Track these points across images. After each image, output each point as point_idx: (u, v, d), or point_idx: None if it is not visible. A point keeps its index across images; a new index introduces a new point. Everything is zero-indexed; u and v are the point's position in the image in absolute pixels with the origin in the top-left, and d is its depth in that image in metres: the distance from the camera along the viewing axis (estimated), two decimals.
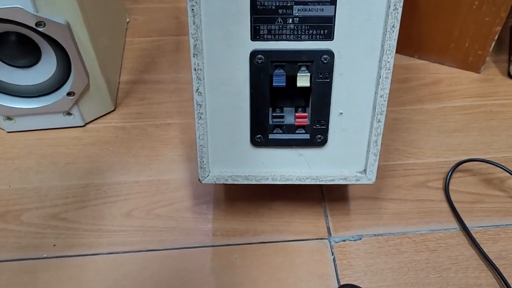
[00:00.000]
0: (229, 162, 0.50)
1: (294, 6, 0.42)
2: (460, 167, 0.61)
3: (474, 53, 0.72)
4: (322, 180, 0.50)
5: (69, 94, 0.60)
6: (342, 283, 0.50)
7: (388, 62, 0.44)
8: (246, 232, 0.55)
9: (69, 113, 0.64)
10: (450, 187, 0.59)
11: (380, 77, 0.44)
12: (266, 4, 0.41)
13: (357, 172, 0.50)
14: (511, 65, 0.73)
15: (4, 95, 0.60)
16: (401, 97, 0.71)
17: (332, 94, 0.46)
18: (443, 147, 0.64)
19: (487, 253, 0.52)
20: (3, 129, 0.65)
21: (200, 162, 0.49)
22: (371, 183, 0.50)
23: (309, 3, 0.41)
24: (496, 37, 0.69)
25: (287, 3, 0.41)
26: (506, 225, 0.55)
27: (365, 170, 0.50)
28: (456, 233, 0.55)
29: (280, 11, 0.42)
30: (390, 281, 0.50)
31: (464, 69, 0.75)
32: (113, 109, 0.68)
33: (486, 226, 0.55)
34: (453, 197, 0.58)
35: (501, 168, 0.58)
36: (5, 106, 0.61)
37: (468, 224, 0.55)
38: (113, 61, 0.71)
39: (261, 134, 0.48)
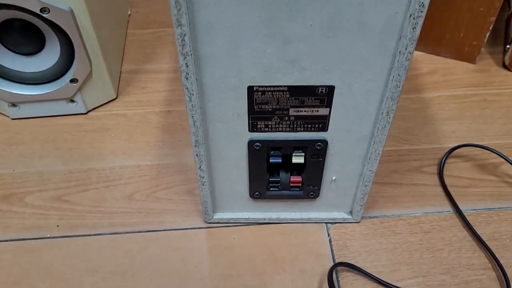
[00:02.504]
0: (230, 209, 0.54)
1: (290, 109, 0.42)
2: (454, 153, 0.62)
3: (469, 44, 0.74)
4: (313, 221, 0.55)
5: (72, 81, 0.62)
6: (337, 262, 0.51)
7: (378, 149, 0.45)
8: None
9: (72, 100, 0.65)
10: (444, 172, 0.60)
11: (369, 158, 0.46)
12: (263, 107, 0.42)
13: (344, 213, 0.55)
14: (506, 55, 0.75)
15: (9, 82, 0.62)
16: None
17: (324, 167, 0.48)
18: (438, 134, 0.65)
19: (480, 234, 0.53)
20: (8, 116, 0.67)
21: (204, 210, 0.53)
22: (357, 222, 0.55)
23: (305, 106, 0.42)
24: (491, 27, 0.71)
25: (283, 106, 0.42)
26: (499, 208, 0.57)
27: (351, 212, 0.54)
28: (449, 215, 0.56)
29: (276, 112, 0.43)
30: (384, 260, 0.52)
31: (460, 60, 0.76)
32: (115, 97, 0.69)
33: (479, 209, 0.56)
34: (447, 181, 0.59)
35: (495, 153, 0.59)
36: (9, 92, 0.62)
37: (461, 207, 0.56)
38: (115, 51, 0.72)
39: (259, 191, 0.51)
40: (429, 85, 0.73)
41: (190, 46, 0.36)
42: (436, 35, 0.75)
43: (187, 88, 0.39)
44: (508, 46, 0.75)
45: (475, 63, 0.76)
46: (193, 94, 0.40)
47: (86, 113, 0.68)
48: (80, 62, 0.61)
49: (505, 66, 0.75)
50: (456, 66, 0.76)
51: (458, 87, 0.72)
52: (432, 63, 0.76)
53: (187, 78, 0.38)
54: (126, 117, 0.68)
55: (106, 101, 0.69)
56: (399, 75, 0.38)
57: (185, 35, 0.35)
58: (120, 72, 0.74)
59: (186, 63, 0.37)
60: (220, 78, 0.39)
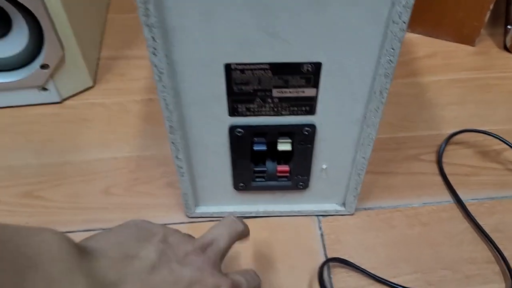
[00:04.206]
0: (214, 202, 0.50)
1: (273, 89, 0.38)
2: (454, 139, 0.58)
3: (469, 25, 0.70)
4: (303, 213, 0.51)
5: (42, 66, 0.58)
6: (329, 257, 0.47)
7: (371, 134, 0.41)
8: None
9: (44, 88, 0.61)
10: (444, 160, 0.56)
11: (362, 144, 0.42)
12: (243, 88, 0.38)
13: (336, 204, 0.51)
14: (507, 37, 0.71)
15: None
16: None
17: (313, 154, 0.44)
18: (437, 120, 0.61)
19: (482, 226, 0.49)
20: None
21: (185, 203, 0.49)
22: (350, 214, 0.51)
23: (289, 87, 0.38)
24: (491, 7, 0.66)
25: (265, 87, 0.38)
26: (502, 197, 0.53)
27: (344, 204, 0.50)
28: (449, 206, 0.52)
29: (258, 93, 0.38)
30: (380, 255, 0.48)
31: (459, 42, 0.72)
32: (92, 85, 0.65)
33: (481, 199, 0.52)
34: (446, 170, 0.55)
35: (498, 138, 0.55)
36: None
37: (462, 197, 0.52)
38: (92, 36, 0.68)
39: (243, 182, 0.47)
40: (427, 69, 0.68)
41: (155, 17, 0.32)
42: (434, 16, 0.71)
43: (156, 66, 0.35)
44: (509, 27, 0.71)
45: (474, 46, 0.72)
46: (163, 73, 0.35)
47: (60, 102, 0.63)
48: (50, 47, 0.56)
49: (506, 48, 0.71)
50: (456, 49, 0.72)
51: (458, 70, 0.68)
52: (430, 46, 0.72)
53: (155, 54, 0.34)
54: (104, 106, 0.63)
55: (82, 89, 0.64)
56: (392, 48, 0.34)
57: (148, 2, 0.31)
58: (98, 58, 0.70)
59: (152, 37, 0.33)
60: (193, 54, 0.35)
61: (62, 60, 0.59)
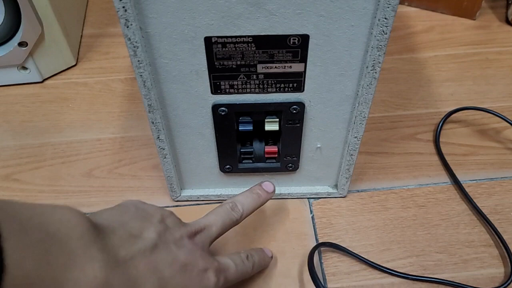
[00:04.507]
0: (200, 185, 0.48)
1: (258, 65, 0.35)
2: (452, 117, 0.56)
3: None
4: (293, 196, 0.49)
5: (20, 44, 0.55)
6: (321, 242, 0.45)
7: (363, 112, 0.39)
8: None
9: (24, 67, 0.58)
10: (441, 139, 0.54)
11: (354, 123, 0.40)
12: (225, 64, 0.35)
13: (328, 187, 0.49)
14: (510, 9, 0.68)
15: None
16: (388, 46, 0.64)
17: (303, 134, 0.42)
18: (434, 98, 0.59)
19: (480, 207, 0.47)
20: None
21: (170, 187, 0.47)
22: (343, 197, 0.49)
23: (275, 61, 0.35)
24: None
25: (249, 62, 0.35)
26: (501, 178, 0.50)
27: (336, 186, 0.48)
28: (446, 187, 0.50)
29: (242, 69, 0.36)
30: (373, 239, 0.46)
31: (458, 16, 0.69)
32: (74, 63, 0.62)
33: (479, 180, 0.50)
34: (444, 149, 0.53)
35: (497, 116, 0.53)
36: None
37: (460, 177, 0.50)
38: (73, 12, 0.65)
39: (230, 164, 0.45)
40: (424, 44, 0.66)
41: None
42: None
43: (129, 39, 0.32)
44: None
45: (475, 19, 0.69)
46: (137, 47, 0.33)
47: (41, 82, 0.60)
48: (28, 23, 0.53)
49: (508, 22, 0.68)
50: (454, 23, 0.69)
51: (456, 45, 0.65)
52: (427, 19, 0.69)
53: (127, 26, 0.31)
54: (86, 85, 0.61)
55: (64, 68, 0.61)
56: (385, 18, 0.32)
57: None
58: (81, 36, 0.67)
59: (123, 6, 0.30)
60: (170, 26, 0.32)
61: (41, 38, 0.56)
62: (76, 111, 0.58)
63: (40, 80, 0.60)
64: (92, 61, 0.63)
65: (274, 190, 0.42)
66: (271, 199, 0.48)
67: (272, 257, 0.44)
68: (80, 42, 0.66)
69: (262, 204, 0.41)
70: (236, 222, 0.39)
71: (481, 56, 0.64)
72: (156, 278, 0.30)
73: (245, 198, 0.40)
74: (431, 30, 0.68)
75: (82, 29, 0.68)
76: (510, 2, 0.68)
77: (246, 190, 0.42)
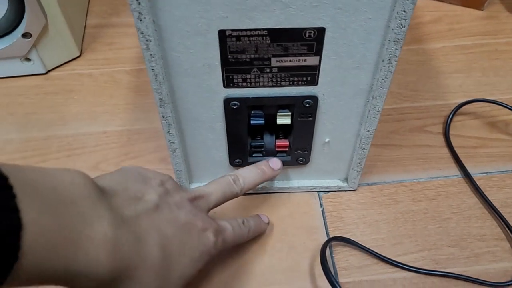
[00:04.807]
0: (209, 178, 0.46)
1: (272, 58, 0.35)
2: (462, 109, 0.55)
3: None
4: (303, 190, 0.48)
5: (24, 35, 0.54)
6: (332, 236, 0.45)
7: (377, 105, 0.38)
8: None
9: (27, 59, 0.57)
10: (451, 132, 0.53)
11: (367, 116, 0.39)
12: (239, 57, 0.34)
13: (339, 180, 0.48)
14: None
15: None
16: None
17: (315, 128, 0.41)
18: (443, 89, 0.58)
19: (491, 200, 0.47)
20: None
21: (179, 180, 0.46)
22: (353, 190, 0.49)
23: (289, 55, 0.34)
24: None
25: (263, 56, 0.34)
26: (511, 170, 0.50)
27: (346, 179, 0.48)
28: (457, 180, 0.49)
29: (255, 62, 0.35)
30: (384, 233, 0.45)
31: (466, 6, 0.68)
32: (78, 55, 0.61)
33: (490, 172, 0.50)
34: (454, 142, 0.52)
35: (507, 108, 0.52)
36: None
37: (470, 170, 0.49)
38: (77, 3, 0.64)
39: (240, 158, 0.44)
40: (432, 35, 0.65)
41: None
42: None
43: (142, 33, 0.31)
44: None
45: (483, 10, 0.68)
46: (150, 41, 0.32)
47: (45, 73, 0.60)
48: (32, 14, 0.52)
49: None
50: (463, 13, 0.68)
51: (465, 36, 0.65)
52: (435, 10, 0.68)
53: (140, 20, 0.31)
54: (91, 77, 0.60)
55: (68, 60, 0.61)
56: (404, 11, 0.31)
57: None
58: (85, 26, 0.66)
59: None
60: (183, 19, 0.31)
61: (45, 29, 0.55)
62: (81, 103, 0.57)
63: (44, 71, 0.59)
64: (96, 52, 0.62)
65: (281, 167, 0.43)
66: (281, 192, 0.48)
67: (268, 223, 0.45)
68: (84, 32, 0.65)
69: (267, 180, 0.43)
70: (235, 195, 0.40)
71: (490, 47, 0.63)
72: (158, 235, 0.31)
73: (249, 173, 0.41)
74: (439, 21, 0.67)
75: (86, 19, 0.67)
76: None
77: (252, 165, 0.43)
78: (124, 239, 0.28)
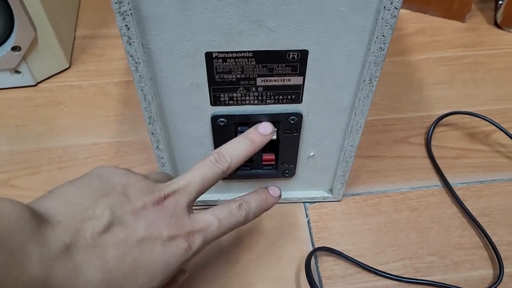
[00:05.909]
0: None
1: (258, 78, 0.36)
2: (443, 121, 0.57)
3: (459, 0, 0.67)
4: (289, 201, 0.50)
5: (14, 49, 0.54)
6: (317, 246, 0.46)
7: (359, 122, 0.40)
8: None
9: (17, 71, 0.58)
10: (432, 143, 0.55)
11: (350, 132, 0.41)
12: (225, 77, 0.36)
13: (324, 191, 0.50)
14: (498, 12, 0.69)
15: None
16: None
17: (300, 142, 0.43)
18: (425, 101, 0.60)
19: (470, 210, 0.49)
20: None
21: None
22: (337, 201, 0.50)
23: (274, 75, 0.36)
24: None
25: (249, 76, 0.36)
26: (490, 180, 0.52)
27: (331, 190, 0.49)
28: (438, 190, 0.51)
29: (242, 82, 0.36)
30: (368, 242, 0.47)
31: (448, 18, 0.70)
32: (67, 66, 0.62)
33: (469, 182, 0.52)
34: (435, 152, 0.54)
35: (486, 120, 0.54)
36: None
37: (450, 180, 0.51)
38: (66, 14, 0.64)
39: None
40: (415, 47, 0.67)
41: (129, 3, 0.29)
42: None
43: (132, 56, 0.33)
44: (500, 2, 0.69)
45: (464, 22, 0.70)
46: (139, 63, 0.33)
47: (35, 85, 0.60)
48: (21, 28, 0.53)
49: (496, 24, 0.69)
50: (445, 25, 0.70)
51: (447, 48, 0.67)
52: (418, 22, 0.70)
53: (129, 44, 0.32)
54: (81, 88, 0.61)
55: (57, 71, 0.61)
56: (383, 35, 0.32)
57: None
58: (74, 38, 0.66)
59: (126, 25, 0.30)
60: (171, 43, 0.33)
61: (34, 42, 0.56)
62: (71, 115, 0.58)
63: (34, 83, 0.60)
64: (86, 63, 0.63)
65: (272, 133, 0.39)
66: None
67: (280, 196, 0.40)
68: (73, 44, 0.66)
69: (257, 151, 0.38)
70: (222, 175, 0.35)
71: (471, 59, 0.65)
72: (101, 262, 0.28)
73: (235, 145, 0.37)
74: (422, 33, 0.69)
75: (75, 31, 0.67)
76: (498, 5, 0.69)
77: (238, 136, 0.38)
78: (59, 274, 0.26)
